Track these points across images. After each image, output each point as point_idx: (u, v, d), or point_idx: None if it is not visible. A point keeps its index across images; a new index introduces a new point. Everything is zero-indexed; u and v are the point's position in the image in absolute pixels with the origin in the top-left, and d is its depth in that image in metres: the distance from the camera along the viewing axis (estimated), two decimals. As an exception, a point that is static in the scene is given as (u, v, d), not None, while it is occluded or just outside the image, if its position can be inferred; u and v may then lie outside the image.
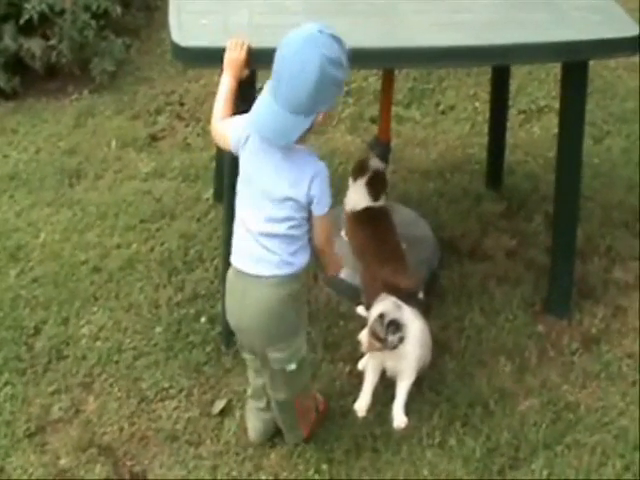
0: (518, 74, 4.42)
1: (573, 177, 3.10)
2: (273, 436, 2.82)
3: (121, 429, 2.86)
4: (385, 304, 2.84)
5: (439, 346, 3.07)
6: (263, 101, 2.43)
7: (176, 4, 2.88)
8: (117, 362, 3.06)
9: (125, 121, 4.18)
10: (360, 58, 2.66)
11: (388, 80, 3.26)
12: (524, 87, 4.44)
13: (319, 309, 3.25)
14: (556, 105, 4.39)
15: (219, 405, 2.91)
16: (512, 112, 4.23)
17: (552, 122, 4.25)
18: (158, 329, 3.17)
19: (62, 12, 4.28)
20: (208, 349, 3.08)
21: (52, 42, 4.28)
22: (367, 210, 3.25)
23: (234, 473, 2.73)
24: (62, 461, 2.76)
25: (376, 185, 3.28)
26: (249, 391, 2.81)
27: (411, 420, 2.87)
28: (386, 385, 2.94)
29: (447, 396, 2.95)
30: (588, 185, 3.80)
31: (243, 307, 2.57)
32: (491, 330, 3.19)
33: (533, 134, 4.20)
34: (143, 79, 4.48)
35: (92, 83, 4.39)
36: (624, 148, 4.07)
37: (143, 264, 3.43)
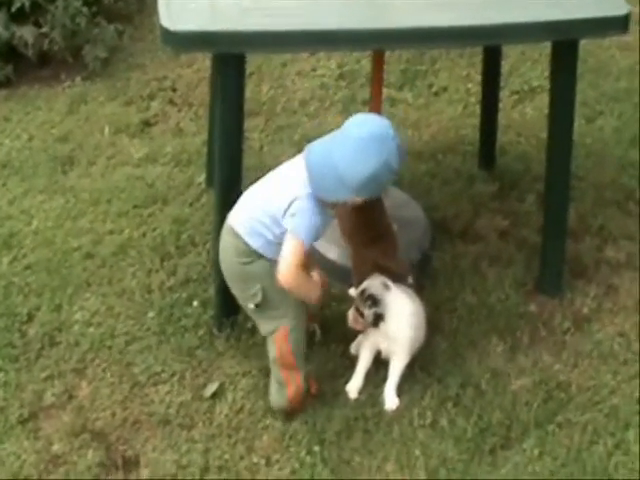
0: (511, 54, 4.36)
1: (564, 157, 3.06)
2: (264, 418, 2.80)
3: (114, 414, 2.83)
4: (371, 281, 2.81)
5: (431, 327, 3.02)
6: (323, 150, 2.60)
7: (164, -12, 2.83)
8: (110, 347, 3.03)
9: (118, 107, 4.13)
10: (350, 40, 2.63)
11: (378, 62, 3.21)
12: (517, 68, 4.38)
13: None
14: (548, 85, 4.37)
15: (211, 388, 2.88)
16: (504, 93, 4.18)
17: (545, 102, 4.13)
18: (150, 314, 3.13)
19: (54, -1, 4.24)
20: (200, 333, 3.05)
21: (44, 29, 4.23)
22: None
23: (226, 456, 2.70)
24: (55, 447, 2.73)
25: None
26: None
27: (402, 401, 2.85)
28: (378, 367, 2.91)
29: (438, 377, 2.92)
30: (580, 165, 3.77)
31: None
32: (483, 310, 3.16)
33: (525, 115, 4.14)
34: (136, 65, 4.42)
35: (85, 70, 4.32)
36: (616, 127, 4.02)
37: (135, 249, 3.39)
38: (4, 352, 3.00)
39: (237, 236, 2.71)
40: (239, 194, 2.80)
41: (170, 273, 3.28)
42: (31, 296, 3.22)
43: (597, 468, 2.69)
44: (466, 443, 2.73)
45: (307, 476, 2.65)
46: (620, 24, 2.74)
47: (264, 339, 2.83)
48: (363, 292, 2.82)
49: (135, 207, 3.57)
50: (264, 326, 2.79)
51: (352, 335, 2.97)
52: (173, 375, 2.93)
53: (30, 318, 3.14)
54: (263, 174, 4.00)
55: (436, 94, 4.26)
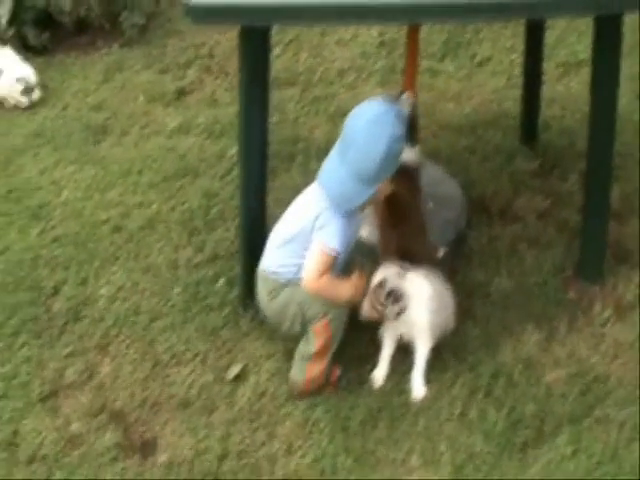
0: (557, 25, 4.09)
1: (606, 136, 2.82)
2: (287, 403, 2.64)
3: (133, 394, 2.70)
4: (387, 270, 2.62)
5: (463, 312, 2.83)
6: (332, 165, 2.59)
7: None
8: (134, 324, 2.90)
9: (154, 75, 3.97)
10: (377, 12, 2.42)
11: (413, 33, 2.98)
12: (563, 39, 4.11)
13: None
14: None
15: (234, 370, 2.74)
16: (550, 65, 3.91)
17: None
18: (176, 290, 2.99)
19: (91, -35, 4.07)
20: (225, 312, 2.90)
21: (81, -4, 4.09)
22: None
23: (246, 441, 2.56)
24: (73, 426, 2.61)
25: (412, 132, 3.01)
26: None
27: (431, 390, 2.67)
28: (406, 353, 2.73)
29: (470, 365, 2.73)
30: (626, 142, 3.50)
31: None
32: (518, 296, 2.94)
33: (571, 88, 3.88)
34: (173, 32, 4.23)
35: (122, 37, 4.17)
36: (668, 103, 3.74)
37: (164, 224, 3.24)
38: (29, 326, 2.89)
39: (266, 276, 2.69)
40: (263, 177, 2.66)
41: (197, 249, 3.13)
42: (58, 269, 3.10)
43: (635, 467, 2.48)
44: (496, 437, 2.54)
45: (329, 465, 2.50)
46: None
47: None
48: (381, 285, 2.62)
49: (165, 179, 3.42)
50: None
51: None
52: (196, 355, 2.79)
53: (56, 292, 3.02)
54: (297, 147, 3.81)
55: (479, 65, 4.01)
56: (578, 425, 2.57)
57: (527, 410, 2.61)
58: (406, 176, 2.94)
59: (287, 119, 3.65)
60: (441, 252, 2.83)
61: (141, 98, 3.83)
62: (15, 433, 2.61)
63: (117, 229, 3.24)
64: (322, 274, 2.58)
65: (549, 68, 3.89)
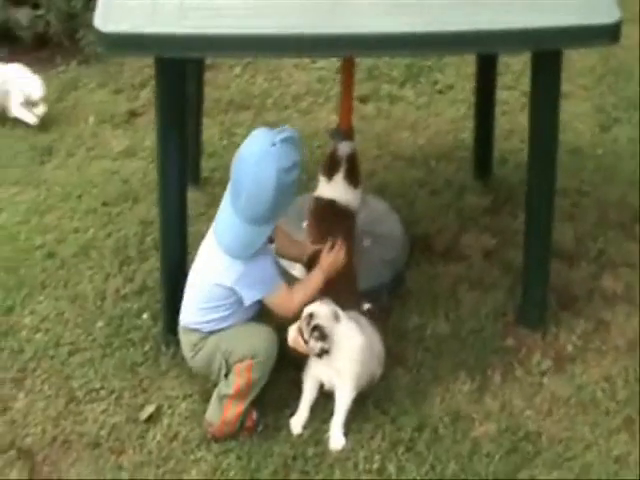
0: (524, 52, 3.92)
1: (545, 178, 2.63)
2: (198, 448, 2.50)
3: (44, 431, 2.58)
4: (320, 308, 2.48)
5: (392, 357, 2.68)
6: (225, 215, 2.45)
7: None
8: (52, 357, 2.78)
9: (107, 95, 3.85)
10: (295, 46, 2.28)
11: (348, 66, 2.84)
12: (525, 69, 3.92)
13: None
14: (569, 88, 3.91)
15: (148, 410, 2.61)
16: (514, 94, 3.76)
17: (562, 107, 3.77)
18: (100, 323, 2.86)
19: (50, -19, 3.96)
20: (147, 347, 2.77)
21: (40, 12, 3.97)
22: (331, 206, 2.83)
23: (152, 487, 2.44)
24: (-20, 462, 2.51)
25: (353, 173, 2.90)
26: None
27: (350, 441, 2.50)
28: (329, 398, 2.57)
29: (393, 416, 2.56)
30: (587, 179, 3.36)
31: None
32: (453, 342, 2.77)
33: (535, 119, 3.72)
34: (134, 51, 4.13)
35: (81, 54, 4.04)
36: (632, 138, 3.55)
37: (97, 251, 3.12)
38: (-53, 358, 2.80)
39: (187, 331, 2.57)
40: (183, 211, 2.58)
41: (127, 279, 3.00)
42: (-15, 295, 3.01)
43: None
44: None
45: None
46: (608, 33, 2.29)
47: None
48: (310, 318, 2.48)
49: (104, 204, 3.30)
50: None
51: (305, 360, 2.64)
52: (112, 392, 2.66)
53: (-19, 320, 2.94)
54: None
55: (440, 92, 3.85)
56: (502, 486, 2.40)
57: (449, 468, 2.43)
58: (342, 217, 2.82)
59: (236, 143, 3.51)
60: (365, 306, 2.67)
61: (91, 119, 3.71)
62: None
63: (50, 255, 3.12)
64: (290, 300, 2.51)
65: (512, 97, 3.74)
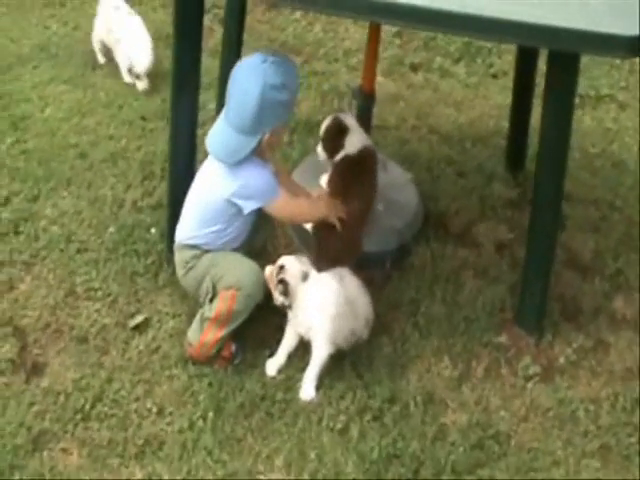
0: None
1: (554, 184, 2.56)
2: (174, 366, 2.56)
3: (40, 316, 2.70)
4: (294, 263, 2.51)
5: (380, 325, 2.64)
6: (217, 123, 2.57)
7: None
8: (62, 250, 2.90)
9: (165, 15, 3.89)
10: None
11: (374, 30, 2.84)
12: (588, 68, 3.83)
13: (276, 249, 2.90)
14: (621, 97, 3.83)
15: (137, 319, 2.70)
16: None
17: (609, 114, 3.70)
18: (111, 229, 2.96)
19: None
20: (149, 261, 2.86)
21: None
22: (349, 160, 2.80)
23: (122, 392, 2.51)
24: (-23, 332, 2.63)
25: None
26: None
27: (320, 395, 2.49)
28: (308, 350, 2.57)
29: (367, 382, 2.53)
30: (622, 194, 3.24)
31: None
32: (444, 325, 2.69)
33: (582, 123, 3.60)
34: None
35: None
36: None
37: (125, 161, 3.22)
38: (-34, 229, 2.92)
39: (182, 247, 2.64)
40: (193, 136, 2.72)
41: (146, 193, 3.09)
42: (16, 181, 3.11)
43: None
44: (367, 464, 2.33)
45: (191, 440, 2.39)
46: (625, 45, 2.14)
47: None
48: (280, 270, 2.50)
49: (142, 118, 3.39)
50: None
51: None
52: (108, 295, 2.77)
53: (7, 202, 3.04)
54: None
55: (494, 76, 3.81)
56: (457, 479, 2.30)
57: (410, 447, 2.37)
58: (368, 154, 2.79)
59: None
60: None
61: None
62: None
63: (82, 156, 3.23)
64: (290, 207, 2.59)
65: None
